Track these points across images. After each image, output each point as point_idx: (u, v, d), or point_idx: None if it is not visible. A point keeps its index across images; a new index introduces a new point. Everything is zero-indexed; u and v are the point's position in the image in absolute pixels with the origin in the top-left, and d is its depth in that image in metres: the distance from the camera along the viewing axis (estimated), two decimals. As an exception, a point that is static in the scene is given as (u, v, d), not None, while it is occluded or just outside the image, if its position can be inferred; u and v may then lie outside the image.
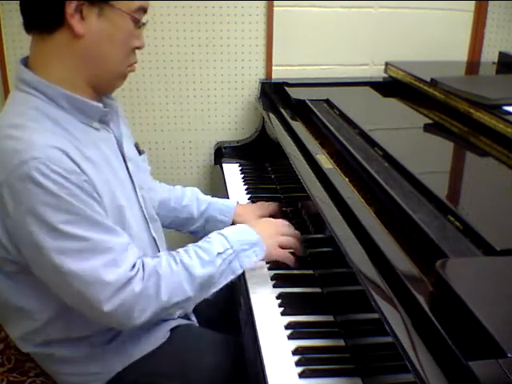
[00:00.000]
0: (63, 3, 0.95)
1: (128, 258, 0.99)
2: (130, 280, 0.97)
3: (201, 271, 1.04)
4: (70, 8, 0.96)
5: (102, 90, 1.09)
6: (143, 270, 1.00)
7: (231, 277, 1.10)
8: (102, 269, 0.95)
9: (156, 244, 1.22)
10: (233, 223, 1.36)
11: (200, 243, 1.11)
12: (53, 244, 0.93)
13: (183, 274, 1.03)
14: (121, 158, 1.14)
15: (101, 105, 1.07)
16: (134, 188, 1.16)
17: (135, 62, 1.10)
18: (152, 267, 1.01)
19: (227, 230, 1.13)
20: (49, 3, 0.97)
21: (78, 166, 0.96)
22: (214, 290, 1.09)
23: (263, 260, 1.16)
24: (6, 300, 1.06)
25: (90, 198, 0.96)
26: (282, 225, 1.22)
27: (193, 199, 1.40)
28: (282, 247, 1.18)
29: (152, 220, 1.21)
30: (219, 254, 1.07)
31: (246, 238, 1.12)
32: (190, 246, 1.09)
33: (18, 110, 1.00)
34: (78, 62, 1.01)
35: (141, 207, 1.17)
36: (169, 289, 1.01)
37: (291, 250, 1.20)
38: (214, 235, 1.12)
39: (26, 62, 1.06)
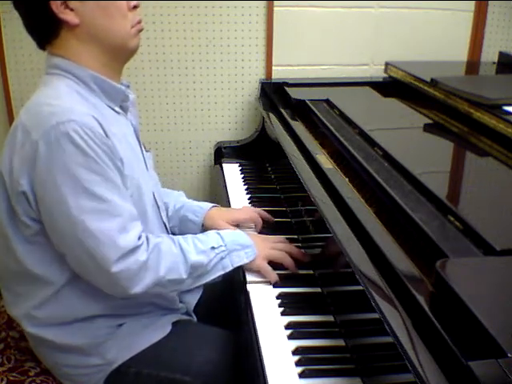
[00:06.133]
0: (49, 8, 1.03)
1: (135, 228, 1.05)
2: (136, 248, 1.04)
3: (195, 257, 1.10)
4: (57, 7, 1.03)
5: (121, 57, 1.14)
6: (147, 242, 1.07)
7: (221, 272, 1.15)
8: (116, 232, 1.02)
9: (167, 230, 1.28)
10: (202, 226, 1.37)
11: (198, 235, 1.17)
12: (76, 201, 0.99)
13: (180, 256, 1.10)
14: (138, 143, 1.22)
15: (123, 87, 1.15)
16: (148, 173, 1.23)
17: (140, 21, 1.13)
18: (155, 242, 1.08)
19: (224, 231, 1.20)
20: (39, 15, 1.05)
21: (106, 135, 1.03)
22: (204, 281, 1.14)
23: (252, 267, 1.18)
24: (22, 264, 1.09)
25: (113, 164, 1.04)
26: (277, 240, 1.26)
27: (172, 197, 1.42)
28: (273, 261, 1.20)
29: (162, 208, 1.27)
30: (213, 248, 1.14)
31: (240, 241, 1.18)
32: (189, 236, 1.15)
33: (52, 86, 1.07)
34: (89, 44, 1.08)
35: (153, 193, 1.22)
36: (166, 266, 1.07)
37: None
38: (211, 232, 1.19)
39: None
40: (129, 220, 1.04)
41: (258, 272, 1.19)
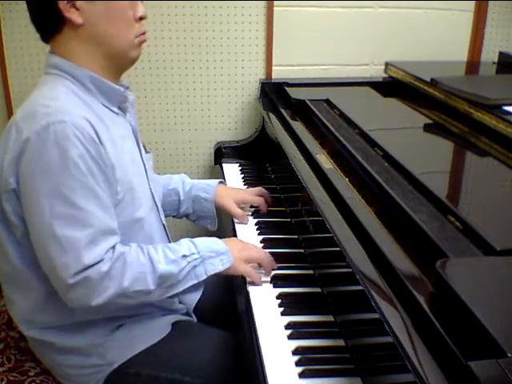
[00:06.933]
0: (55, 3, 1.03)
1: (107, 241, 1.02)
2: (100, 260, 1.00)
3: (163, 267, 1.06)
4: (63, 4, 1.03)
5: (120, 64, 1.14)
6: (113, 252, 1.03)
7: (194, 281, 1.11)
8: (83, 243, 0.98)
9: (166, 231, 1.27)
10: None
11: (169, 244, 1.14)
12: (49, 203, 0.97)
13: (148, 266, 1.05)
14: (136, 145, 1.21)
15: (121, 88, 1.15)
16: (146, 175, 1.22)
17: (144, 33, 1.13)
18: (121, 252, 1.04)
19: (198, 238, 1.15)
20: (45, 8, 1.05)
21: (99, 139, 1.02)
22: (177, 290, 1.11)
23: (230, 273, 1.16)
24: (14, 267, 1.09)
25: (100, 171, 1.02)
26: (251, 245, 1.23)
27: (179, 182, 1.44)
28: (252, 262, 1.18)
29: (161, 210, 1.27)
30: (184, 256, 1.09)
31: (214, 247, 1.14)
32: (159, 245, 1.12)
33: (50, 87, 1.07)
34: (90, 45, 1.08)
35: (151, 194, 1.22)
36: (132, 276, 1.03)
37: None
38: (184, 240, 1.14)
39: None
40: (101, 233, 1.01)
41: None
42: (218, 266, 1.13)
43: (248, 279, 1.18)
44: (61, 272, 0.99)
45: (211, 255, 1.13)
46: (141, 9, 1.11)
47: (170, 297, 1.18)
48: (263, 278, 1.18)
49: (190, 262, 1.10)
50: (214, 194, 1.42)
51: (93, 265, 0.99)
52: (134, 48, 1.11)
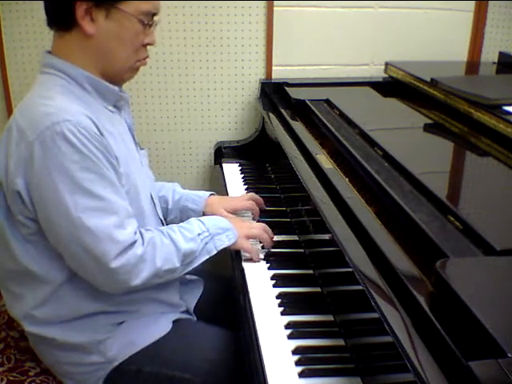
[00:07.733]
0: (73, 7, 1.04)
1: (131, 224, 1.08)
2: (134, 243, 1.06)
3: (185, 246, 1.14)
4: (80, 11, 1.04)
5: (113, 80, 1.15)
6: (141, 237, 1.10)
7: (206, 256, 1.19)
8: (113, 228, 1.03)
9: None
10: (203, 214, 1.42)
11: (182, 224, 1.20)
12: (73, 199, 1.00)
13: (172, 246, 1.13)
14: (133, 142, 1.23)
15: (117, 88, 1.16)
16: (144, 171, 1.24)
17: (146, 57, 1.16)
18: (149, 237, 1.11)
19: (204, 217, 1.24)
20: (61, 7, 1.05)
21: (101, 134, 1.05)
22: (193, 266, 1.18)
23: (234, 248, 1.24)
24: (20, 263, 1.09)
25: (108, 162, 1.05)
26: (250, 223, 1.33)
27: (169, 190, 1.45)
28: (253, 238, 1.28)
29: (158, 206, 1.28)
30: (198, 234, 1.17)
31: (220, 225, 1.22)
32: (174, 226, 1.19)
33: (46, 86, 1.08)
34: (92, 55, 1.09)
35: (149, 190, 1.23)
36: (162, 257, 1.10)
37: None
38: (193, 220, 1.22)
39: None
40: (125, 217, 1.06)
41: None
42: (225, 242, 1.20)
43: (248, 280, 1.18)
44: (102, 259, 1.02)
45: (219, 232, 1.20)
46: (152, 37, 1.14)
47: (172, 293, 1.21)
48: (261, 255, 1.27)
49: (202, 240, 1.17)
50: (202, 205, 1.41)
51: (129, 247, 1.04)
52: (130, 71, 1.15)
